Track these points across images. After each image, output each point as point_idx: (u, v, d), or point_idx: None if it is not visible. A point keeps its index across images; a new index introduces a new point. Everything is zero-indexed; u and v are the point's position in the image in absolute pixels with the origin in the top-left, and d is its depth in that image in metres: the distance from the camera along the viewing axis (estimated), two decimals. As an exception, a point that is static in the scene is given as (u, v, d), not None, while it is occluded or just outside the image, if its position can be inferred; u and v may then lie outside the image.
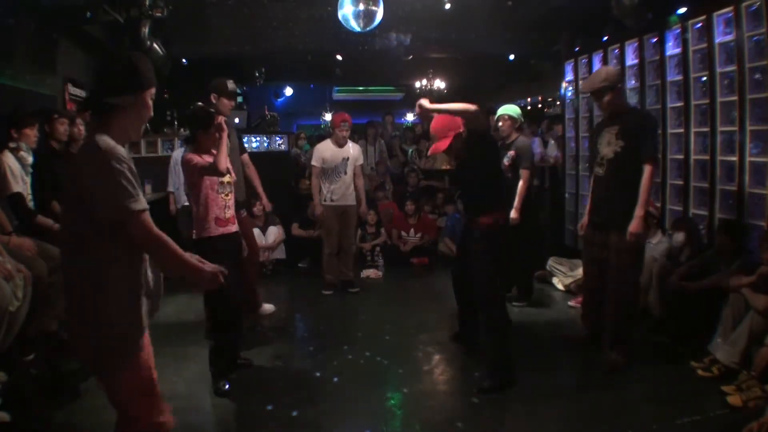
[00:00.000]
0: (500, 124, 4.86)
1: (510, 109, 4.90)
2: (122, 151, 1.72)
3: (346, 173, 5.21)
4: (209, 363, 3.33)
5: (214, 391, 3.25)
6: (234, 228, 3.42)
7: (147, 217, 1.72)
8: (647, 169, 3.37)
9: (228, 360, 3.43)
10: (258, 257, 4.67)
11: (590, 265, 3.81)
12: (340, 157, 5.18)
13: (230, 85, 4.07)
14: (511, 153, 4.74)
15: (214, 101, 4.06)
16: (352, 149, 5.30)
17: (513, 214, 4.58)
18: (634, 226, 3.37)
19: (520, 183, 4.70)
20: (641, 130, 3.42)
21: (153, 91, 1.86)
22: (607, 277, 3.58)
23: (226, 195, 3.37)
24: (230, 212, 3.39)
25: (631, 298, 3.60)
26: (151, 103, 1.86)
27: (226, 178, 3.35)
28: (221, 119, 3.27)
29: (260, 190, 4.77)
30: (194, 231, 3.30)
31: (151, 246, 1.75)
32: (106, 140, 1.71)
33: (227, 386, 3.28)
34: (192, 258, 1.86)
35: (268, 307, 4.73)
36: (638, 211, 3.37)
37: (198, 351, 3.68)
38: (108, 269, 1.74)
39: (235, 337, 3.55)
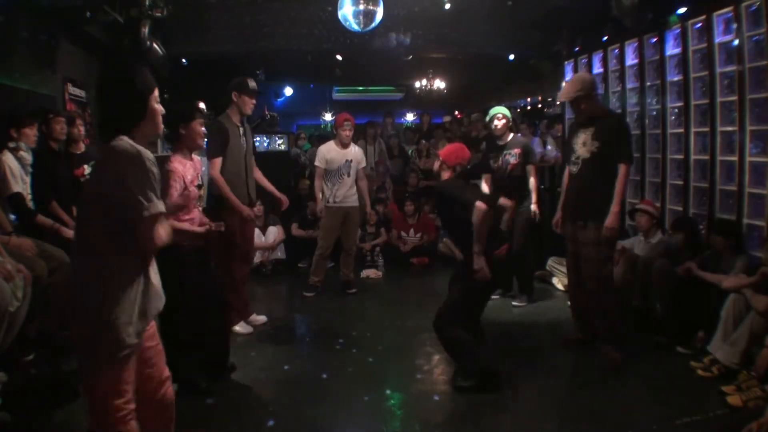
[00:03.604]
0: (495, 123, 4.85)
1: (502, 109, 4.92)
2: (141, 149, 1.77)
3: (348, 175, 5.19)
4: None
5: (196, 390, 3.21)
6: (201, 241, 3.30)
7: (157, 222, 1.78)
8: (622, 169, 3.55)
9: (200, 360, 3.31)
10: (250, 260, 4.57)
11: (571, 259, 3.91)
12: (343, 159, 5.17)
13: (251, 83, 4.12)
14: (517, 151, 4.75)
15: (235, 99, 4.10)
16: (355, 151, 5.29)
17: (534, 208, 4.83)
18: (609, 221, 3.54)
19: (532, 179, 4.81)
20: (617, 133, 3.61)
21: (156, 94, 1.91)
22: (585, 270, 3.69)
23: (199, 208, 3.32)
24: (197, 223, 3.28)
25: (608, 290, 3.69)
26: (157, 105, 1.92)
27: (203, 191, 3.35)
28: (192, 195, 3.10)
29: (272, 188, 4.54)
30: None
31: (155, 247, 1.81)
32: (124, 142, 1.76)
33: (203, 385, 3.23)
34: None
35: (258, 318, 4.54)
36: (614, 207, 3.54)
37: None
38: (115, 273, 1.78)
39: (219, 344, 3.44)
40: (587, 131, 3.65)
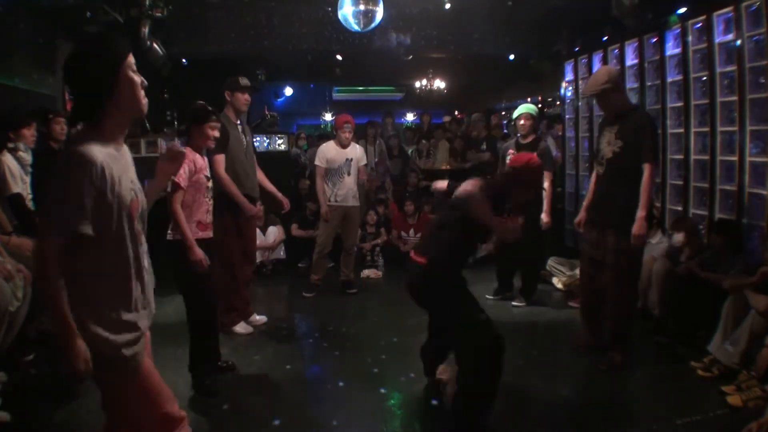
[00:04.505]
0: (522, 122, 4.85)
1: (530, 108, 4.94)
2: (98, 155, 1.55)
3: (349, 174, 5.19)
4: (191, 363, 3.29)
5: (199, 390, 3.24)
6: (211, 234, 3.38)
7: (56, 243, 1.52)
8: (647, 169, 3.34)
9: (209, 359, 3.38)
10: (253, 261, 4.58)
11: (587, 265, 3.79)
12: (343, 157, 5.17)
13: (242, 80, 4.14)
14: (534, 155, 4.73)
15: (228, 98, 4.14)
16: (356, 150, 5.29)
17: (545, 217, 4.75)
18: (636, 228, 3.34)
19: (546, 185, 4.73)
20: (641, 131, 3.38)
21: (130, 60, 1.65)
22: (604, 277, 3.57)
23: (210, 199, 3.34)
24: (210, 217, 3.36)
25: (630, 299, 3.61)
26: (133, 75, 1.65)
27: (211, 183, 3.36)
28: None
29: (274, 189, 4.53)
30: (171, 232, 3.21)
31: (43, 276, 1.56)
32: (81, 148, 1.55)
33: (207, 381, 3.26)
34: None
35: (258, 318, 4.53)
36: (640, 213, 3.33)
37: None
38: (92, 279, 1.62)
39: (214, 339, 3.48)
40: (612, 129, 3.49)
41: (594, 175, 3.78)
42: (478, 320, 2.80)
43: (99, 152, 1.56)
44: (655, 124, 3.57)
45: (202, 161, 3.31)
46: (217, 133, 3.43)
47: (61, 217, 1.53)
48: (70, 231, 1.53)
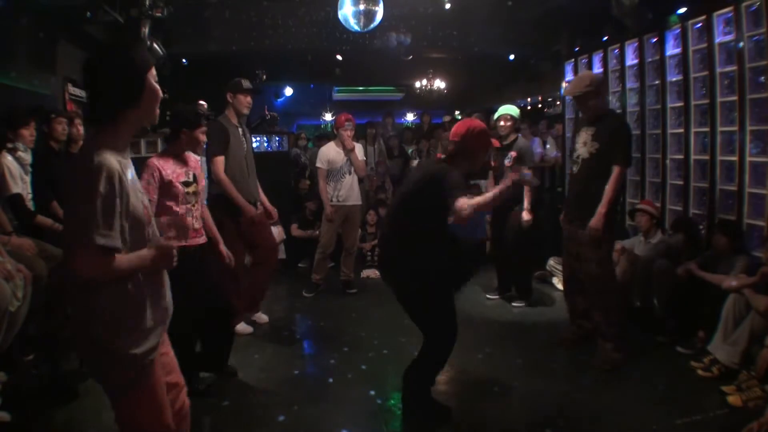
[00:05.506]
0: (501, 123, 4.88)
1: (511, 109, 4.94)
2: (115, 165, 1.55)
3: (350, 173, 5.22)
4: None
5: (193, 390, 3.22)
6: (201, 240, 3.23)
7: (100, 258, 1.52)
8: (615, 171, 3.48)
9: (198, 362, 3.30)
10: (274, 259, 4.45)
11: (567, 258, 3.93)
12: (343, 158, 5.19)
13: (245, 82, 4.15)
14: (513, 154, 4.76)
15: (230, 100, 4.14)
16: (355, 149, 5.30)
17: (525, 215, 4.73)
18: (594, 221, 3.49)
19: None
20: (616, 136, 3.53)
21: (154, 72, 1.68)
22: (583, 272, 3.68)
23: (192, 206, 3.17)
24: (198, 223, 3.19)
25: (613, 288, 3.68)
26: (156, 84, 1.68)
27: (191, 188, 3.17)
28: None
29: (264, 199, 4.43)
30: None
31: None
32: (102, 155, 1.53)
33: (201, 387, 3.22)
34: (140, 254, 1.65)
35: (262, 317, 4.56)
36: (601, 208, 3.48)
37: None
38: (111, 291, 1.60)
39: (218, 343, 3.41)
40: (589, 130, 3.63)
41: (569, 174, 3.90)
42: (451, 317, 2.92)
43: (115, 162, 1.56)
44: (630, 128, 3.75)
45: (180, 169, 3.15)
46: (205, 138, 3.35)
47: (92, 234, 1.49)
48: (105, 248, 1.50)
